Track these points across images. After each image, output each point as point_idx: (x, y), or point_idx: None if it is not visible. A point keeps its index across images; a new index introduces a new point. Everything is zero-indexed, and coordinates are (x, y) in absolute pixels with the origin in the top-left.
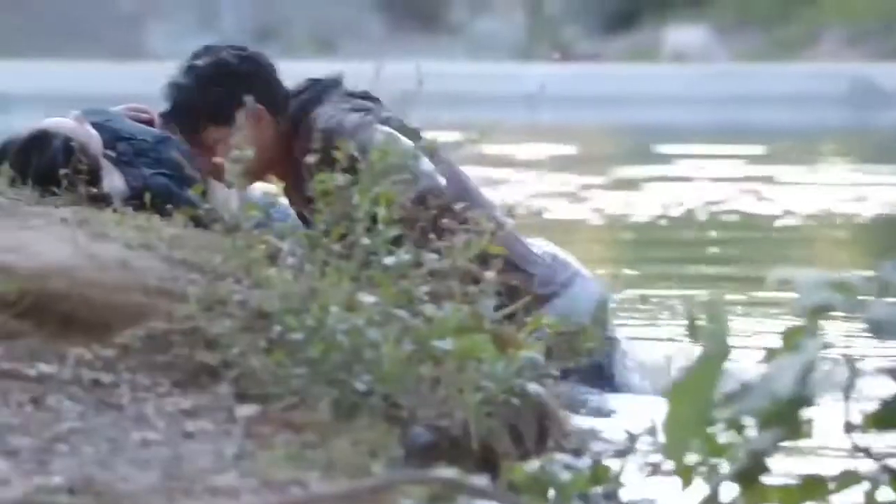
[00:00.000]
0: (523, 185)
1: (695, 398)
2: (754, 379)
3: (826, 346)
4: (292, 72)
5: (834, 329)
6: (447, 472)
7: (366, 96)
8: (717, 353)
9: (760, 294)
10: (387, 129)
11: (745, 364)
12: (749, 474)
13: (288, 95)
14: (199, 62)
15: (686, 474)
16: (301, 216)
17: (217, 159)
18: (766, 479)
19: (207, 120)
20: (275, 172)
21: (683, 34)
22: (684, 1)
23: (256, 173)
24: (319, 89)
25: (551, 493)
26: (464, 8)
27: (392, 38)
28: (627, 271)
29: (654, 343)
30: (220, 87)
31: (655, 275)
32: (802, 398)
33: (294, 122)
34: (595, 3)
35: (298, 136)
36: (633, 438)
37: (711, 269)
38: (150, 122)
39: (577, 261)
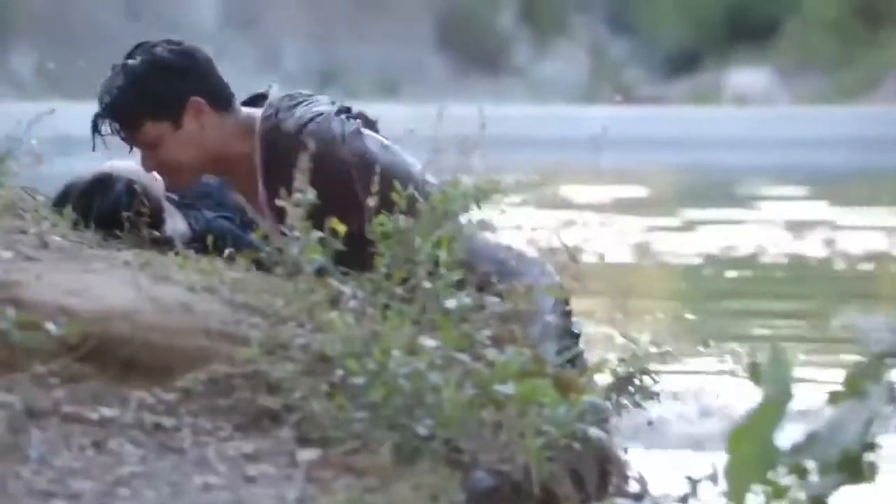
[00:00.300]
0: (586, 226)
1: (756, 442)
2: (820, 428)
3: (891, 391)
4: None
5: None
6: None
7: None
8: (778, 396)
9: (820, 334)
10: (376, 136)
11: (806, 402)
12: None
13: (231, 93)
14: (132, 60)
15: None
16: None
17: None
18: None
19: (145, 115)
20: (223, 171)
21: (745, 77)
22: (746, 44)
23: (196, 168)
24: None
25: None
26: (526, 51)
27: (455, 80)
28: (689, 315)
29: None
30: (156, 81)
31: (715, 315)
32: (867, 445)
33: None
34: (657, 47)
35: (267, 140)
36: (693, 483)
37: (769, 307)
38: None
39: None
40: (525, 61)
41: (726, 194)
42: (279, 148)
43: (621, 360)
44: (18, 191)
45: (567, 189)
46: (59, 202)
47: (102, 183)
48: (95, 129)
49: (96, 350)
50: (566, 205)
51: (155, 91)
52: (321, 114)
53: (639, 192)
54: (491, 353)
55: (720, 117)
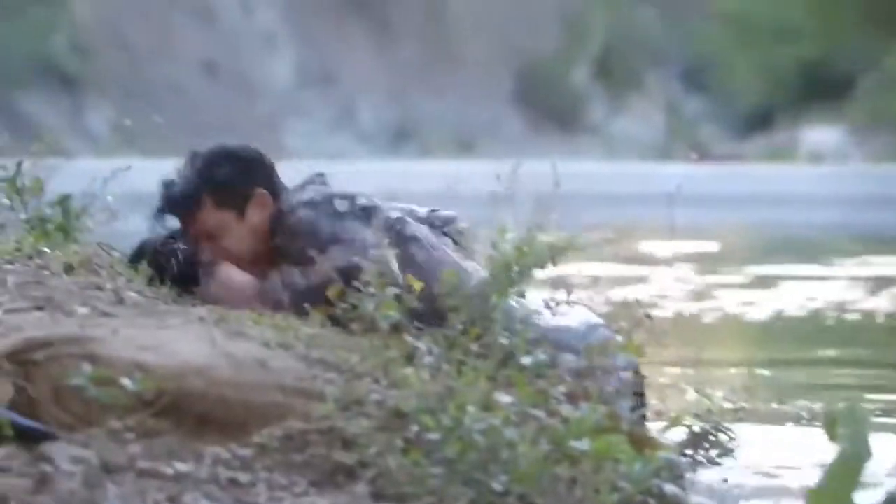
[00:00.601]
0: (660, 281)
1: (835, 502)
2: None
3: None
4: (431, 172)
5: None
6: None
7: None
8: (856, 455)
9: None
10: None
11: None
12: None
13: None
14: (201, 151)
15: None
16: None
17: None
18: None
19: (210, 202)
20: (270, 264)
21: (819, 134)
22: (821, 102)
23: (254, 259)
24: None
25: None
26: (602, 108)
27: (530, 137)
28: (764, 370)
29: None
30: (225, 169)
31: (790, 368)
32: None
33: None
34: (732, 104)
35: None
36: None
37: (845, 359)
38: None
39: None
40: (600, 118)
41: (801, 250)
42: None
43: (696, 416)
44: (94, 247)
45: (642, 245)
46: (135, 258)
47: (178, 239)
48: (160, 218)
49: (171, 405)
50: (641, 260)
51: (223, 178)
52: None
53: (713, 247)
54: (566, 410)
55: (795, 175)
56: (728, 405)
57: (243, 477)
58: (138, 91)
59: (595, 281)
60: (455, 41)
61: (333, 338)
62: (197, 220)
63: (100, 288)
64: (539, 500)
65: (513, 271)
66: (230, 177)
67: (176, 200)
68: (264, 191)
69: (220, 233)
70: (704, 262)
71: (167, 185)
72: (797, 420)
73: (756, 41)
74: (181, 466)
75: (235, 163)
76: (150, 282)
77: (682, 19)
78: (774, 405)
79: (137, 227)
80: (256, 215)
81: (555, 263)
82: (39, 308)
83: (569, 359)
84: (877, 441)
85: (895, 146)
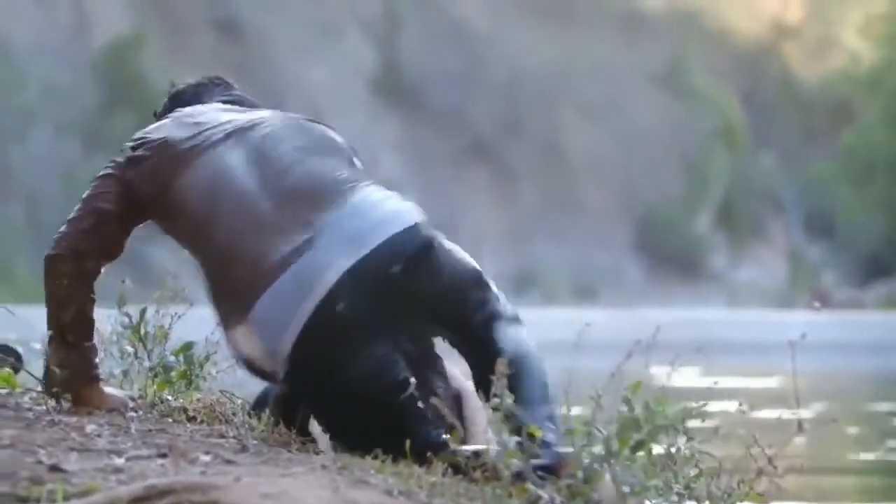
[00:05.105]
0: (784, 424)
1: None
2: None
3: None
4: (553, 319)
5: None
6: None
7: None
8: None
9: None
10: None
11: None
12: None
13: None
14: None
15: None
16: None
17: None
18: None
19: None
20: None
21: None
22: None
23: None
24: None
25: None
26: (723, 255)
27: (651, 284)
28: None
29: None
30: None
31: None
32: None
33: None
34: (853, 251)
35: None
36: None
37: None
38: None
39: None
40: (722, 265)
41: None
42: None
43: None
44: (217, 394)
45: (763, 385)
46: (258, 406)
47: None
48: None
49: None
50: (763, 400)
51: None
52: None
53: (834, 392)
54: None
55: None
56: None
57: None
58: None
59: (716, 430)
60: (575, 187)
61: (455, 486)
62: None
63: (223, 435)
64: None
65: (642, 430)
66: None
67: None
68: None
69: None
70: (826, 404)
71: None
72: None
73: (875, 178)
74: None
75: None
76: (275, 428)
77: (803, 162)
78: None
79: None
80: None
81: (684, 422)
82: (162, 455)
83: None
84: None
85: None
